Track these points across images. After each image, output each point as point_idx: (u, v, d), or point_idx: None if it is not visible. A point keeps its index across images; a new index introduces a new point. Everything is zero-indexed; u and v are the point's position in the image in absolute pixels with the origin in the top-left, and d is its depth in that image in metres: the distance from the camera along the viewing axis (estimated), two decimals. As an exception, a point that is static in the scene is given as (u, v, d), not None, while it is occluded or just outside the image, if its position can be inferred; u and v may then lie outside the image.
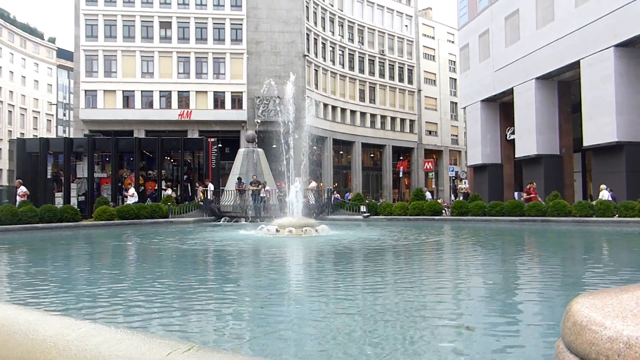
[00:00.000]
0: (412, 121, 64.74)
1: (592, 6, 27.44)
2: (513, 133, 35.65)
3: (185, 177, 31.87)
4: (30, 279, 8.01)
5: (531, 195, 23.88)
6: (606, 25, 26.26)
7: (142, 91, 47.30)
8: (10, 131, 74.16)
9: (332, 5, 56.27)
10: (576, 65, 28.69)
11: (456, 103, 66.91)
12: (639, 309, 1.60)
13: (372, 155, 62.31)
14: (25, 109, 79.12)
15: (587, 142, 27.85)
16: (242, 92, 47.72)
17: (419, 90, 65.60)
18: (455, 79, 66.31)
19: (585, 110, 27.80)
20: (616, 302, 1.69)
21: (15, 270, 9.48)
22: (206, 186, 28.38)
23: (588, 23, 27.51)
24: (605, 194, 25.03)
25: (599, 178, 27.60)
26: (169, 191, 28.24)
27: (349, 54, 58.13)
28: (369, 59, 60.28)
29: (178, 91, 47.56)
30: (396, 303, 5.76)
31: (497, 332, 4.47)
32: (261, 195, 26.57)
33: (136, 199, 25.51)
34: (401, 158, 63.03)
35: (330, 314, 5.23)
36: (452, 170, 58.58)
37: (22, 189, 22.89)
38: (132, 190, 26.42)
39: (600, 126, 26.66)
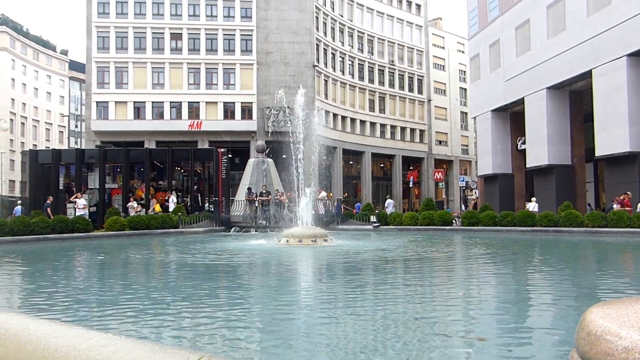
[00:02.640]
0: (422, 131, 64.64)
1: (604, 16, 27.32)
2: (524, 143, 35.45)
3: (196, 187, 31.97)
4: (42, 289, 8.05)
5: (626, 209, 21.99)
6: (618, 35, 26.12)
7: (152, 102, 47.64)
8: (23, 143, 74.91)
9: (342, 16, 56.50)
10: (588, 75, 28.53)
11: (466, 113, 66.75)
12: (655, 320, 1.58)
13: (381, 165, 62.20)
14: (38, 121, 79.95)
15: (599, 152, 27.61)
16: (252, 103, 47.94)
17: (429, 100, 65.53)
18: (466, 89, 66.22)
19: (598, 120, 27.60)
20: (631, 312, 1.66)
21: (26, 280, 9.54)
22: (166, 199, 27.26)
23: (600, 32, 27.37)
24: (531, 205, 25.92)
25: (611, 188, 27.35)
26: (135, 204, 26.55)
27: (358, 64, 58.25)
28: (378, 69, 60.37)
29: (188, 102, 47.86)
30: (407, 314, 5.72)
31: (509, 343, 4.43)
32: (256, 204, 26.41)
33: (86, 211, 23.44)
34: (411, 168, 62.90)
35: (342, 324, 5.21)
36: (463, 180, 58.23)
37: None
38: (81, 202, 24.10)
39: (612, 136, 26.44)
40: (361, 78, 58.39)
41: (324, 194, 30.09)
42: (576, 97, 32.36)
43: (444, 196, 62.48)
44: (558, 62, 30.69)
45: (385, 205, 30.87)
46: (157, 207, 25.93)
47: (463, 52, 67.69)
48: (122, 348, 2.09)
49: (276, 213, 26.59)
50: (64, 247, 16.51)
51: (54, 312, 5.99)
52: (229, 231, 25.20)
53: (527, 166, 34.75)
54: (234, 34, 48.60)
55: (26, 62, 77.72)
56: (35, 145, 72.25)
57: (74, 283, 9.03)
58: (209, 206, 29.03)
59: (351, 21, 57.66)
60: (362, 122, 57.84)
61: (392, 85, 61.63)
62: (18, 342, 2.31)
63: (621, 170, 26.64)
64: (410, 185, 56.42)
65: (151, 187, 30.00)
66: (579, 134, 32.48)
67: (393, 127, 61.35)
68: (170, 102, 47.79)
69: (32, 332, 2.36)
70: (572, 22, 29.93)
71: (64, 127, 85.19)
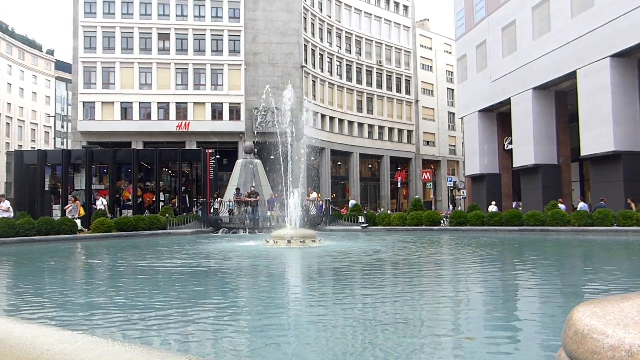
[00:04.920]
0: (409, 131, 64.86)
1: (588, 17, 27.62)
2: (511, 143, 35.72)
3: (183, 188, 31.84)
4: (26, 292, 7.96)
5: None
6: (602, 36, 26.42)
7: (140, 102, 47.33)
8: (8, 143, 74.05)
9: (330, 17, 56.54)
10: (573, 75, 28.82)
11: (454, 113, 67.08)
12: (640, 317, 1.59)
13: (369, 165, 62.33)
14: (23, 121, 79.08)
15: (584, 151, 27.91)
16: (240, 103, 47.80)
17: (417, 101, 65.77)
18: (453, 90, 66.56)
19: (583, 120, 27.89)
20: (617, 310, 1.68)
21: (11, 282, 9.43)
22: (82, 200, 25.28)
23: (584, 34, 27.67)
24: (490, 208, 27.69)
25: (596, 187, 27.65)
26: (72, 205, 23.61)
27: (346, 64, 58.33)
28: (366, 70, 60.48)
29: (176, 102, 47.60)
30: (396, 314, 5.73)
31: (497, 342, 4.45)
32: (243, 205, 26.23)
33: (11, 214, 21.35)
34: (399, 168, 63.04)
35: (330, 325, 5.20)
36: (450, 180, 58.66)
37: None
38: (5, 204, 21.90)
39: (597, 136, 26.74)
40: (349, 79, 58.49)
41: (314, 194, 30.07)
42: (562, 97, 32.67)
43: (431, 196, 62.75)
44: (543, 63, 30.97)
45: (349, 205, 30.75)
46: (81, 211, 23.64)
47: (450, 52, 68.06)
48: (109, 351, 2.07)
49: (244, 214, 26.41)
50: (49, 249, 16.34)
51: (38, 315, 5.92)
52: (217, 232, 25.11)
53: (513, 166, 35.01)
54: (221, 35, 48.43)
55: (11, 62, 76.85)
56: (20, 146, 71.47)
57: (60, 286, 8.94)
58: (197, 209, 28.78)
59: (339, 22, 57.73)
60: (350, 123, 57.93)
61: (379, 85, 61.79)
62: (2, 346, 2.28)
63: (606, 169, 26.94)
64: (398, 186, 56.57)
65: (139, 187, 29.80)
66: (564, 134, 32.79)
67: (381, 127, 61.52)
68: (158, 103, 47.51)
69: (17, 335, 2.33)
70: (557, 23, 30.22)
71: (50, 127, 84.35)
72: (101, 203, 25.10)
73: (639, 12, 24.26)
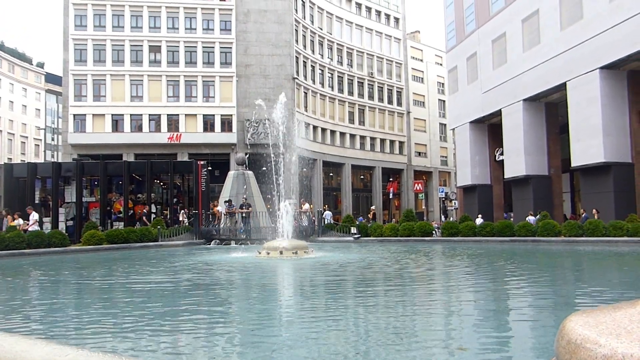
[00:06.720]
0: (401, 143, 65.08)
1: (577, 30, 27.93)
2: (502, 154, 35.92)
3: (175, 200, 31.70)
4: (16, 306, 7.88)
5: None
6: (591, 48, 26.71)
7: (131, 115, 47.21)
8: (-2, 156, 73.59)
9: (321, 29, 56.82)
10: (562, 87, 29.08)
11: (445, 124, 67.42)
12: (632, 326, 1.60)
13: (362, 176, 62.41)
14: (13, 134, 78.64)
15: (575, 162, 28.10)
16: (231, 115, 47.81)
17: (408, 112, 66.07)
18: (444, 101, 66.96)
19: (573, 131, 28.11)
20: (610, 319, 1.68)
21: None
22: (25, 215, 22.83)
23: (573, 46, 27.97)
24: (477, 221, 27.52)
25: (587, 198, 27.80)
26: (20, 220, 21.81)
27: (338, 76, 58.56)
28: (358, 81, 60.75)
29: (167, 114, 47.52)
30: (389, 325, 5.71)
31: (490, 352, 4.44)
32: (236, 217, 26.15)
33: None
34: (391, 179, 63.18)
35: (323, 336, 5.17)
36: (442, 191, 58.72)
37: None
38: None
39: (587, 147, 26.94)
40: (341, 90, 58.68)
41: (307, 206, 30.03)
42: (552, 108, 32.94)
43: (423, 207, 62.82)
44: (533, 75, 31.24)
45: (323, 216, 30.69)
46: (14, 225, 21.39)
47: (441, 64, 68.53)
48: (100, 364, 2.05)
49: (234, 225, 26.40)
50: (38, 262, 16.18)
51: (29, 328, 5.86)
52: (209, 244, 25.00)
53: (505, 177, 35.18)
54: (213, 47, 48.52)
55: (1, 75, 76.51)
56: (10, 159, 71.02)
57: (50, 299, 8.85)
58: (189, 220, 28.59)
59: (330, 34, 58.03)
60: (342, 134, 58.06)
61: (371, 97, 62.06)
62: (-8, 360, 2.26)
63: (596, 180, 27.12)
64: (390, 197, 56.63)
65: (130, 200, 29.63)
66: (555, 145, 33.02)
67: (373, 138, 61.71)
68: (149, 115, 47.41)
69: (7, 349, 2.30)
70: (546, 35, 30.54)
71: (40, 140, 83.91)
72: (33, 218, 22.10)
73: (628, 24, 24.58)
